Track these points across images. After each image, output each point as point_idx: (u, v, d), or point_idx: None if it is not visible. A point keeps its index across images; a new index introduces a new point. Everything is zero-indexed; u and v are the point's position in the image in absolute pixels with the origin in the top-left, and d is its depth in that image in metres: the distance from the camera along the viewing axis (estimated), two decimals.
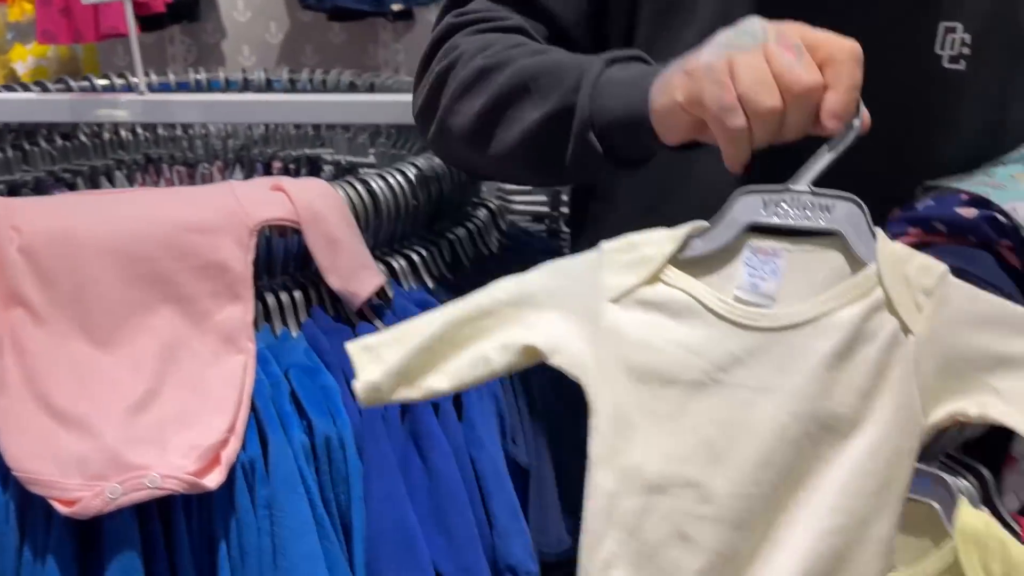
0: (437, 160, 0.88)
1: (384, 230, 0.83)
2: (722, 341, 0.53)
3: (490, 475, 0.74)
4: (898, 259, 0.51)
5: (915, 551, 0.55)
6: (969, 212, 0.61)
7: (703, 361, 0.54)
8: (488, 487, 0.74)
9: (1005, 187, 0.64)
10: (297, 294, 0.77)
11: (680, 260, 0.55)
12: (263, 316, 0.75)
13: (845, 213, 0.52)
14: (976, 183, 0.64)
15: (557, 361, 0.57)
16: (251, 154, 1.34)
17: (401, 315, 0.79)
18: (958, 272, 0.52)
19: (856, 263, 0.52)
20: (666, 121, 0.59)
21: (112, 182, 1.28)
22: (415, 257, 0.85)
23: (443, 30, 0.77)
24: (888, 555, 0.51)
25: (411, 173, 0.85)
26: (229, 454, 0.64)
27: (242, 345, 0.70)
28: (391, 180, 0.83)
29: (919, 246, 0.59)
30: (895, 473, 0.50)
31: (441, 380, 0.58)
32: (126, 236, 0.69)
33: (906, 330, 0.50)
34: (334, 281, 0.75)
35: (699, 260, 0.55)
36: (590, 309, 0.56)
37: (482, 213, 0.97)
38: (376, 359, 0.59)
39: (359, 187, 0.80)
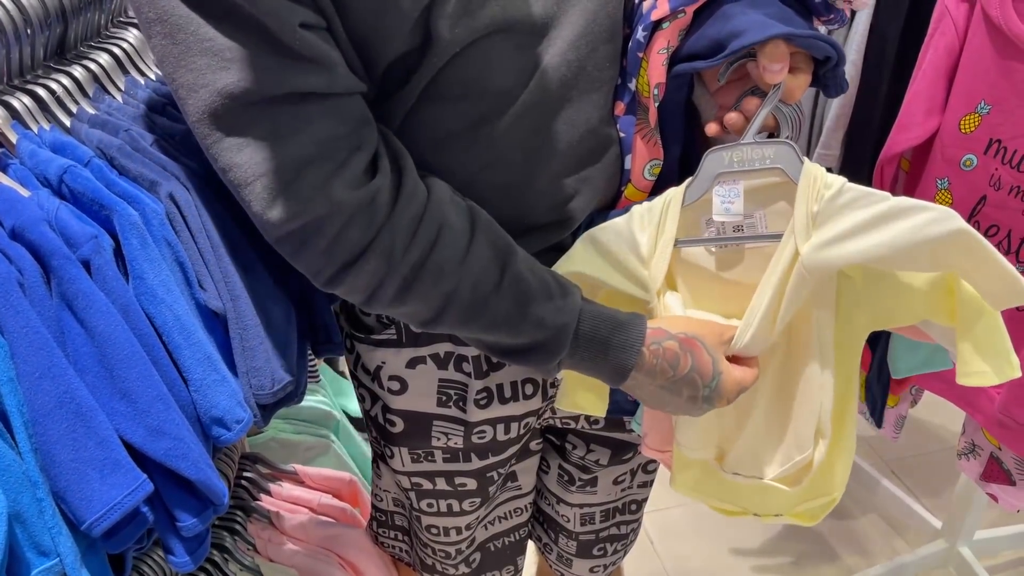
0: None
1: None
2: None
3: (172, 328, 0.67)
4: (812, 177, 0.73)
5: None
6: None
7: None
8: (173, 340, 0.67)
9: None
10: None
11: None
12: None
13: (781, 152, 0.74)
14: None
15: None
16: None
17: (31, 162, 0.67)
18: (752, 17, 0.71)
19: (791, 184, 0.74)
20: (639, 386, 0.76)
21: None
22: (42, 92, 0.71)
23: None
24: None
25: None
26: None
27: None
28: None
29: (708, 4, 0.74)
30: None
31: None
32: None
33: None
34: None
35: (690, 205, 0.77)
36: None
37: (131, 35, 0.83)
38: None
39: None
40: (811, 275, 0.72)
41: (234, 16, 0.61)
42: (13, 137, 0.68)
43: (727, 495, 0.88)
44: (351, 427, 1.32)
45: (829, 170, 0.75)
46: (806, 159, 0.74)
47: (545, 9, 0.73)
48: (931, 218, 0.69)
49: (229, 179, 0.66)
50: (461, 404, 0.92)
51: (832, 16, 0.77)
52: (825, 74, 0.75)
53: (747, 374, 0.77)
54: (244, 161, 0.65)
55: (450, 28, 0.68)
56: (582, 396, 0.88)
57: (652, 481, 1.11)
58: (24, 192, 0.64)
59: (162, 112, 0.77)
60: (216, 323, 0.73)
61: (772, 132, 0.76)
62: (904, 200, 0.70)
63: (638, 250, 0.78)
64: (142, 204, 0.67)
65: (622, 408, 0.92)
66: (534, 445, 1.03)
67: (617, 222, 0.80)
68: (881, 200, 0.71)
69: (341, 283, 0.70)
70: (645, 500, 1.13)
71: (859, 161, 1.13)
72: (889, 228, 0.70)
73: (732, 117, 0.75)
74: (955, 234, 0.68)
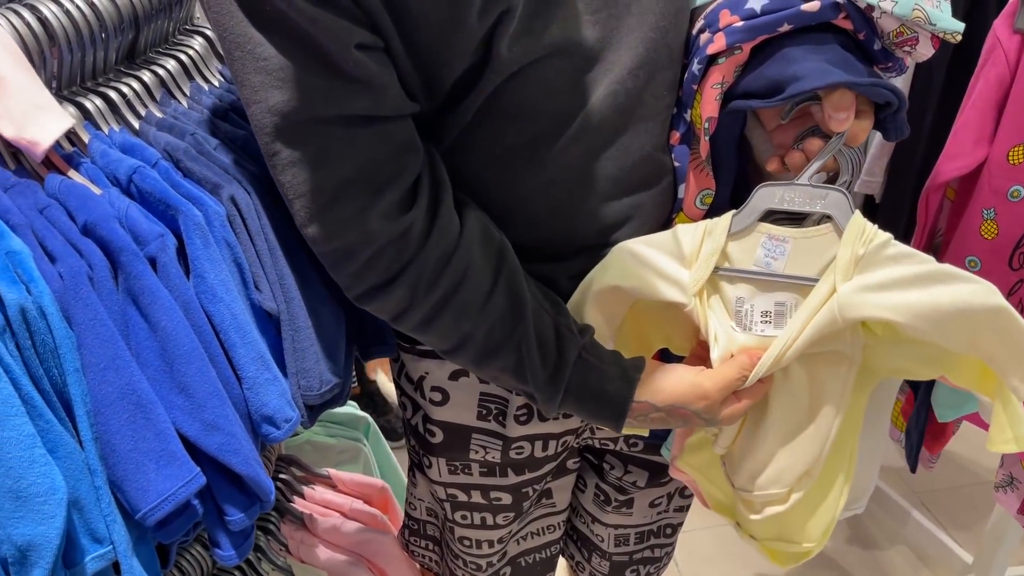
0: None
1: (69, 65, 0.71)
2: None
3: (230, 327, 0.69)
4: (861, 224, 0.72)
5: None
6: (813, 6, 0.72)
7: None
8: (230, 339, 0.69)
9: None
10: None
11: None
12: None
13: (835, 200, 0.73)
14: None
15: None
16: None
17: (102, 162, 0.70)
18: (813, 62, 0.70)
19: (837, 232, 0.73)
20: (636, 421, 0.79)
21: None
22: (113, 95, 0.74)
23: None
24: None
25: None
26: None
27: None
28: (68, 5, 0.70)
29: (766, 43, 0.74)
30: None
31: None
32: None
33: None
34: (6, 128, 0.64)
35: (735, 234, 0.77)
36: None
37: (197, 42, 0.85)
38: None
39: (26, 14, 0.67)
40: (841, 314, 0.72)
41: (292, 35, 0.63)
42: (85, 137, 0.70)
43: (722, 489, 0.89)
44: (380, 432, 1.34)
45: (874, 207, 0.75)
46: (856, 212, 0.73)
47: (603, 33, 0.74)
48: (973, 289, 0.68)
49: (281, 192, 0.69)
50: (501, 419, 0.92)
51: (891, 64, 0.76)
52: (886, 118, 0.75)
53: (755, 397, 0.78)
54: (289, 180, 0.67)
55: (509, 47, 0.70)
56: None
57: (688, 506, 1.10)
58: (96, 190, 0.66)
59: (225, 118, 0.80)
60: (269, 324, 0.74)
61: (831, 174, 0.76)
62: (948, 267, 0.70)
63: (680, 251, 0.78)
64: (205, 205, 0.69)
65: (659, 433, 0.92)
66: (571, 464, 1.04)
67: (656, 234, 0.81)
68: (926, 261, 0.71)
69: (369, 303, 0.74)
70: (680, 524, 1.12)
71: (902, 189, 1.13)
72: (929, 290, 0.69)
73: (794, 157, 0.75)
74: (994, 311, 0.68)
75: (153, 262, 0.65)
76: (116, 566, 0.65)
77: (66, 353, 0.61)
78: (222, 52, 0.66)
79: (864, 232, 0.72)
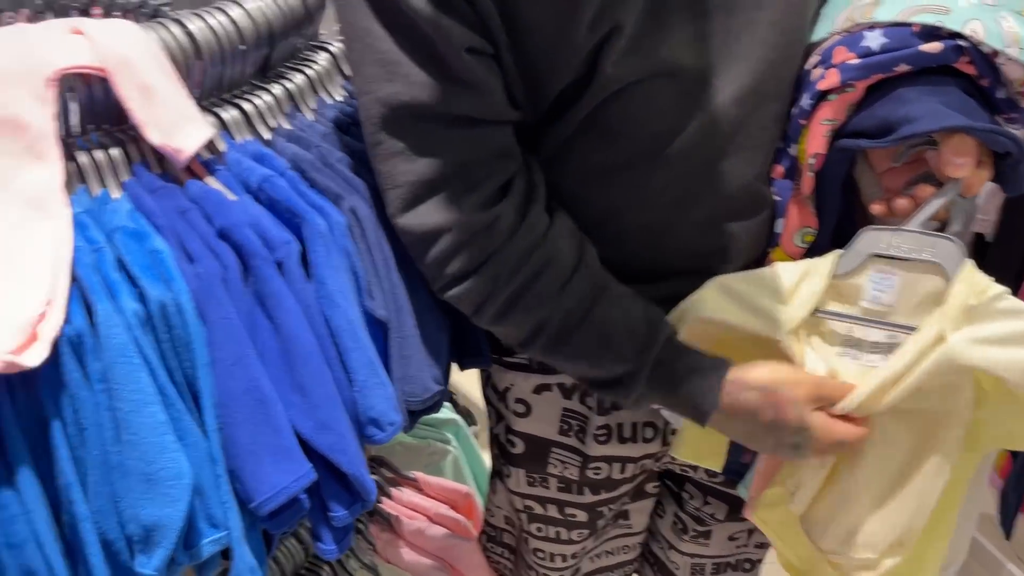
0: None
1: (209, 77, 0.76)
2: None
3: (345, 332, 0.72)
4: (973, 272, 0.70)
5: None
6: (934, 47, 0.69)
7: None
8: (344, 343, 0.72)
9: (950, 11, 0.69)
10: (115, 152, 0.70)
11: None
12: (77, 177, 0.68)
13: (945, 249, 0.71)
14: (919, 10, 0.70)
15: None
16: (62, 1, 1.18)
17: (236, 170, 0.74)
18: (928, 104, 0.68)
19: (943, 281, 0.71)
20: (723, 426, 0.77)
21: None
22: (247, 106, 0.78)
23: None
24: None
25: (234, 12, 0.76)
26: (48, 328, 0.59)
27: (53, 210, 0.63)
28: (211, 20, 0.74)
29: (881, 83, 0.72)
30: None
31: None
32: None
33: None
34: (154, 135, 0.68)
35: (838, 277, 0.76)
36: None
37: (322, 57, 0.90)
38: None
39: (174, 29, 0.72)
40: (950, 364, 0.70)
41: (410, 33, 0.66)
42: (222, 146, 0.75)
43: (796, 552, 0.85)
44: (471, 435, 1.36)
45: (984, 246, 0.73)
46: (968, 262, 0.71)
47: (711, 59, 0.74)
48: None
49: (377, 181, 0.73)
50: (581, 436, 0.93)
51: (1015, 115, 0.73)
52: (1006, 170, 0.71)
53: (849, 432, 0.74)
54: (387, 170, 0.71)
55: (615, 65, 0.71)
56: (699, 447, 0.87)
57: (769, 544, 1.09)
58: (231, 196, 0.71)
59: (347, 131, 0.84)
60: (378, 330, 0.77)
61: (941, 223, 0.73)
62: None
63: (779, 289, 0.77)
64: (328, 215, 0.73)
65: (737, 470, 0.90)
66: (651, 488, 1.04)
67: (755, 271, 0.80)
68: None
69: (451, 293, 0.76)
70: (760, 560, 1.10)
71: (1016, 229, 1.09)
72: None
73: (902, 203, 0.72)
74: None
75: (280, 266, 0.69)
76: (224, 553, 0.69)
77: (198, 348, 0.65)
78: (343, 40, 0.71)
79: (976, 282, 0.70)
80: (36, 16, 1.21)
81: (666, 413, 0.89)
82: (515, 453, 0.98)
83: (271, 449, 0.67)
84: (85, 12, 1.20)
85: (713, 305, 0.79)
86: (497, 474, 1.05)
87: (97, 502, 0.62)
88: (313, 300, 0.71)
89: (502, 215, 0.72)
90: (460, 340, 0.88)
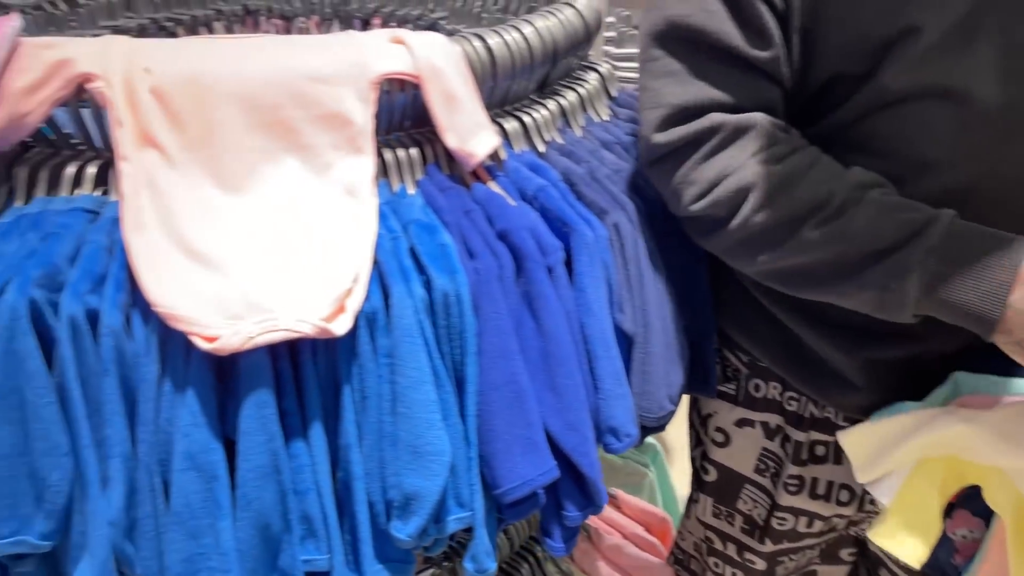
0: (553, 18, 0.84)
1: (499, 89, 0.81)
2: None
3: (598, 340, 0.75)
4: None
5: None
6: None
7: None
8: (595, 351, 0.75)
9: None
10: (414, 151, 0.77)
11: None
12: (381, 171, 0.76)
13: None
14: None
15: None
16: (349, 8, 1.31)
17: (514, 177, 0.79)
18: None
19: None
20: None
21: (211, 32, 1.28)
22: (527, 119, 0.83)
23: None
24: None
25: (527, 30, 0.82)
26: (354, 303, 0.66)
27: (364, 198, 0.70)
28: (507, 37, 0.80)
29: None
30: None
31: None
32: (252, 82, 0.68)
33: None
34: (451, 140, 0.75)
35: None
36: None
37: (592, 77, 0.94)
38: None
39: (476, 43, 0.78)
40: None
41: None
42: (503, 154, 0.80)
43: None
44: (666, 463, 1.36)
45: None
46: None
47: (1010, 96, 0.68)
48: None
49: (640, 98, 0.75)
50: (775, 480, 0.91)
51: None
52: None
53: None
54: (656, 87, 0.73)
55: (898, 72, 0.68)
56: (901, 535, 0.78)
57: None
58: (511, 201, 0.76)
59: (611, 150, 0.87)
60: (622, 343, 0.80)
61: None
62: None
63: None
64: (594, 227, 0.76)
65: (943, 569, 0.81)
66: (846, 554, 0.99)
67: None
68: None
69: (701, 203, 0.72)
70: None
71: None
72: None
73: None
74: None
75: (550, 271, 0.73)
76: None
77: (469, 338, 0.70)
78: None
79: None
80: (324, 22, 1.35)
81: (868, 485, 0.81)
82: (707, 481, 0.97)
83: (522, 441, 0.71)
84: (366, 21, 1.33)
85: (953, 434, 0.71)
86: (691, 499, 1.04)
87: (367, 465, 0.69)
88: (572, 306, 0.74)
89: (762, 122, 0.71)
90: (694, 366, 0.89)
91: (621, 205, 0.79)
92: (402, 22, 1.28)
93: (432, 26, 1.27)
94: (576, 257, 0.75)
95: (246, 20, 1.31)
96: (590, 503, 0.76)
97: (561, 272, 0.73)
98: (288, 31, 1.32)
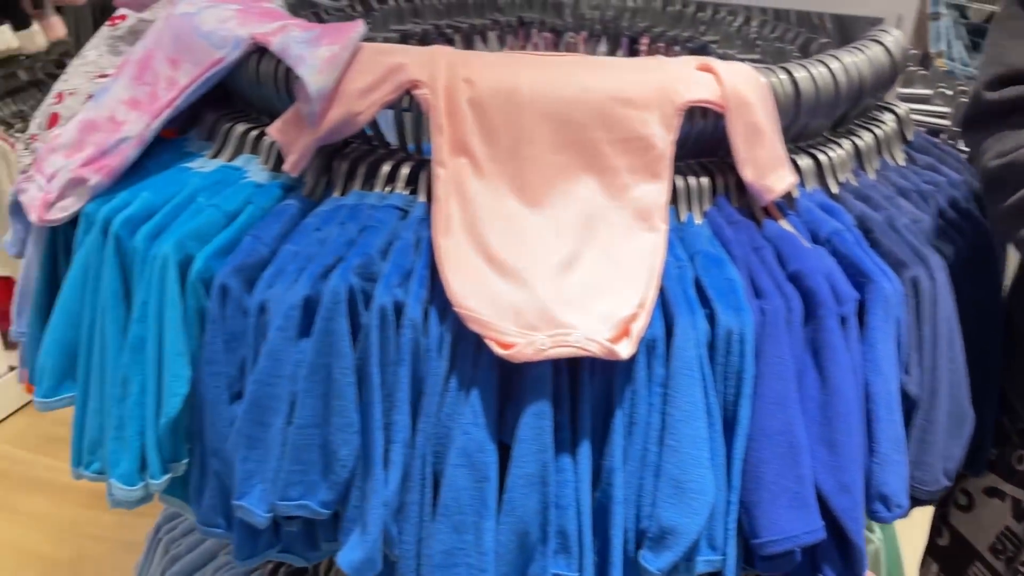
0: (862, 55, 0.80)
1: (797, 125, 0.78)
2: None
3: (881, 400, 0.70)
4: None
5: None
6: None
7: None
8: (877, 412, 0.70)
9: None
10: (704, 180, 0.76)
11: None
12: (670, 198, 0.75)
13: None
14: None
15: None
16: (619, 26, 1.32)
17: (805, 217, 0.76)
18: None
19: None
20: None
21: (485, 42, 1.34)
22: (822, 157, 0.80)
23: None
24: None
25: (834, 66, 0.78)
26: (638, 328, 0.66)
27: (655, 224, 0.70)
28: (814, 71, 0.77)
29: None
30: None
31: None
32: (562, 101, 0.70)
33: None
34: (749, 173, 0.73)
35: None
36: None
37: (888, 118, 0.89)
38: None
39: (782, 76, 0.76)
40: None
41: None
42: (795, 192, 0.77)
43: None
44: (896, 532, 1.27)
45: None
46: None
47: None
48: None
49: (985, 53, 0.75)
50: (1010, 563, 0.82)
51: None
52: None
53: None
54: (1006, 45, 0.73)
55: None
56: None
57: None
58: (805, 243, 0.73)
59: (908, 198, 0.82)
60: (903, 406, 0.74)
61: None
62: None
63: None
64: (891, 280, 0.71)
65: None
66: None
67: None
68: None
69: (1003, 160, 0.70)
70: None
71: None
72: None
73: None
74: None
75: (843, 321, 0.69)
76: None
77: (746, 379, 0.68)
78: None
79: None
80: (591, 38, 1.37)
81: None
82: (939, 543, 0.92)
83: (790, 495, 0.67)
84: (634, 40, 1.33)
85: None
86: (922, 562, 1.00)
87: (625, 491, 0.68)
88: (860, 361, 0.70)
89: None
90: (972, 440, 0.81)
91: (922, 259, 0.74)
92: (671, 43, 1.28)
93: (702, 49, 1.25)
94: (870, 310, 0.71)
95: (519, 32, 1.35)
96: (849, 571, 0.71)
97: (854, 324, 0.69)
98: (556, 45, 1.35)
